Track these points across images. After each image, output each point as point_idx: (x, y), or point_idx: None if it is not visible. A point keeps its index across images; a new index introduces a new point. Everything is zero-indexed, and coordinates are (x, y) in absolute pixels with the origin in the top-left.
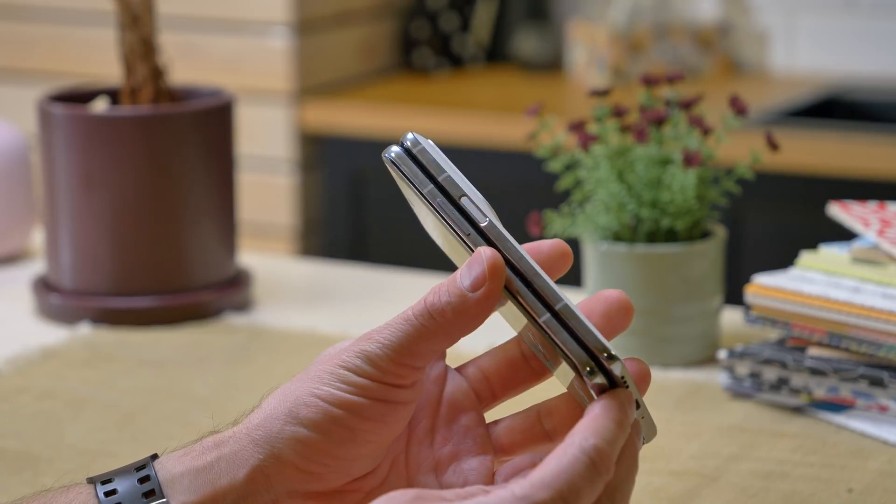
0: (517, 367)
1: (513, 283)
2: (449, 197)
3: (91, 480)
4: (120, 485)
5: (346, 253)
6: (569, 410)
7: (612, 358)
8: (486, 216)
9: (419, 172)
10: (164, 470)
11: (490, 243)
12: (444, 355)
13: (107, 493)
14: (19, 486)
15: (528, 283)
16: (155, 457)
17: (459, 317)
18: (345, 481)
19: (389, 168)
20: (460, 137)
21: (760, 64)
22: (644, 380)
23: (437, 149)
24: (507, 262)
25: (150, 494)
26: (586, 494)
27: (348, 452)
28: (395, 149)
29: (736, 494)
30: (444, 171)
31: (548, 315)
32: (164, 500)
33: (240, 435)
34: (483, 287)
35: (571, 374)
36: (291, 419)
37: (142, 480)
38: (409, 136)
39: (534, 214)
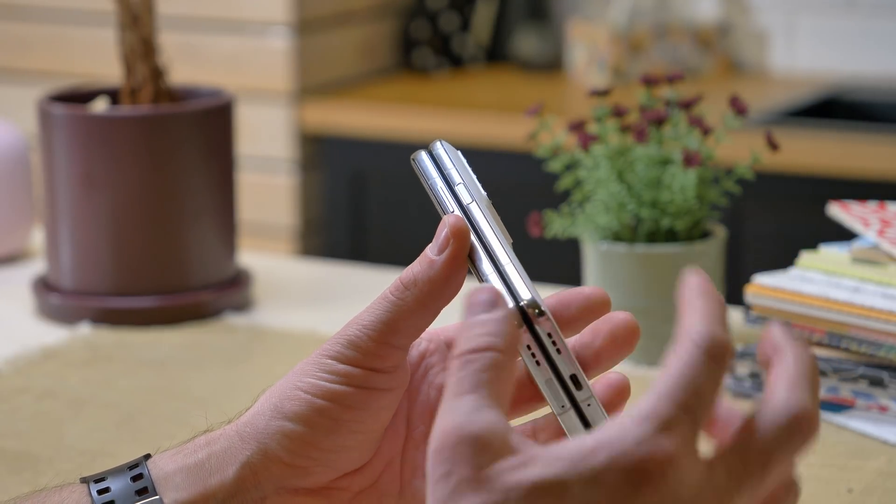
0: (524, 387)
1: (475, 254)
2: (448, 184)
3: (84, 480)
4: (113, 483)
5: (346, 253)
6: (560, 427)
7: (542, 314)
8: (474, 199)
9: (431, 170)
10: (156, 468)
11: (469, 220)
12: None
13: (100, 492)
14: (19, 486)
15: (491, 258)
16: (148, 456)
17: (431, 284)
18: (332, 476)
19: (415, 170)
20: (460, 137)
21: (760, 64)
22: (623, 393)
23: (459, 156)
24: (478, 238)
25: (142, 492)
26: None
27: (333, 443)
28: (421, 152)
29: None
30: (447, 168)
31: (491, 278)
32: (157, 497)
33: (229, 433)
34: (448, 248)
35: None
36: (276, 414)
37: (134, 479)
38: (436, 143)
39: (534, 214)
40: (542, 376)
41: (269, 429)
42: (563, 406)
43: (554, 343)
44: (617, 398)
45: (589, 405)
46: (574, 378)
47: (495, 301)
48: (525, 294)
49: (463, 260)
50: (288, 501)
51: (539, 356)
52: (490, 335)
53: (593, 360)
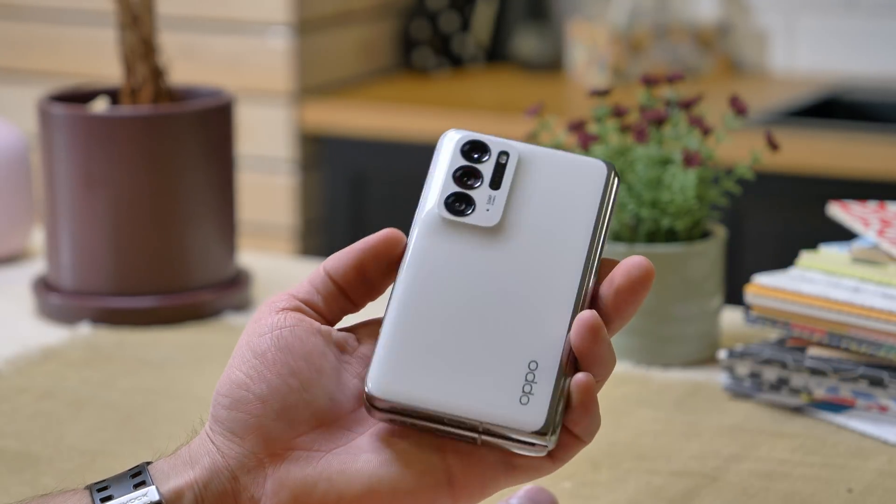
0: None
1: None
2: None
3: (88, 487)
4: (115, 491)
5: None
6: None
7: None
8: (421, 212)
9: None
10: (155, 469)
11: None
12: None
13: (103, 500)
14: (19, 485)
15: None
16: (149, 463)
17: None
18: (285, 435)
19: None
20: None
21: (760, 64)
22: (647, 276)
23: (450, 151)
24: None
25: (140, 485)
26: None
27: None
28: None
29: (736, 494)
30: (430, 167)
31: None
32: (153, 486)
33: (202, 432)
34: (381, 233)
35: None
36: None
37: (137, 486)
38: (445, 133)
39: None
40: (431, 431)
41: (218, 415)
42: (473, 439)
43: (410, 416)
44: (639, 281)
45: (490, 430)
46: (455, 423)
47: None
48: (370, 383)
49: (387, 245)
50: (256, 478)
51: (412, 422)
52: None
53: (612, 300)
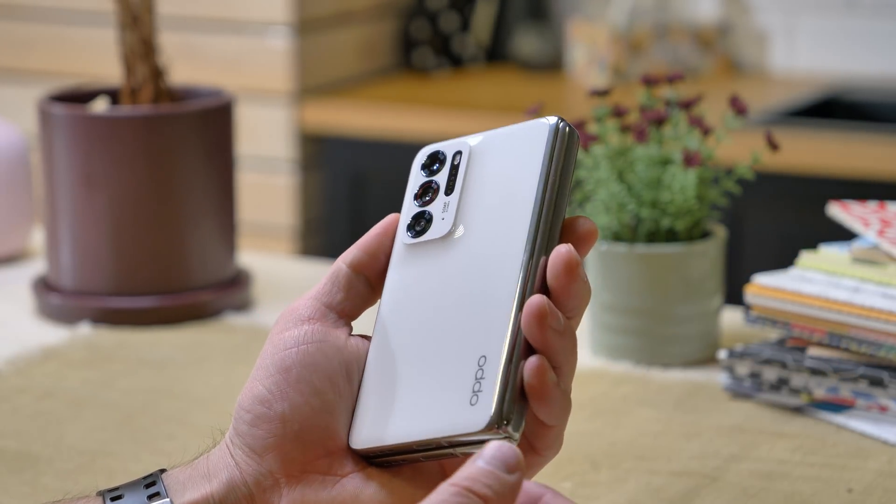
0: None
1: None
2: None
3: (101, 494)
4: (129, 500)
5: None
6: None
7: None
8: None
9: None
10: (170, 479)
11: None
12: None
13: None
14: (19, 485)
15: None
16: (163, 471)
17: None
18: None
19: None
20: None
21: (760, 64)
22: (590, 237)
23: (415, 170)
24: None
25: (154, 496)
26: None
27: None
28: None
29: (736, 494)
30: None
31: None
32: (167, 499)
33: (221, 444)
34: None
35: None
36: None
37: (151, 497)
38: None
39: None
40: (418, 461)
41: (238, 430)
42: (452, 455)
43: (389, 455)
44: (583, 241)
45: (453, 443)
46: (424, 448)
47: (518, 466)
48: (350, 437)
49: (382, 236)
50: (271, 497)
51: (400, 459)
52: (492, 489)
53: (552, 291)
